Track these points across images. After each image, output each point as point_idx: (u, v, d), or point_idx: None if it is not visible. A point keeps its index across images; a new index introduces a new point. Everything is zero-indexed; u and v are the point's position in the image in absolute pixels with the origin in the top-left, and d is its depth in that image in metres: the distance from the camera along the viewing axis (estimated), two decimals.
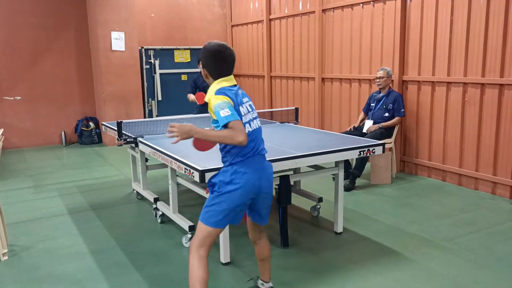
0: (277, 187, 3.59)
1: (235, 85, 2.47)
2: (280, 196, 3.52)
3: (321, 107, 7.31)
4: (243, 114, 2.39)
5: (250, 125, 2.43)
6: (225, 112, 2.24)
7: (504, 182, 4.81)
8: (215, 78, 2.44)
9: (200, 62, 2.53)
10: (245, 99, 2.47)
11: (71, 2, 8.30)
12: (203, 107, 6.47)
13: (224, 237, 3.30)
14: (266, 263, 2.80)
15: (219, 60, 2.43)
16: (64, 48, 8.36)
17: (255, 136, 2.45)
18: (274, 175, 3.56)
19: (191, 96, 6.28)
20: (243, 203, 2.44)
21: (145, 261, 3.45)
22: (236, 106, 2.34)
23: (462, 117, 5.20)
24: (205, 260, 2.40)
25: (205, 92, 6.10)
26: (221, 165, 3.06)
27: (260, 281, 2.87)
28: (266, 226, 4.08)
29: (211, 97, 2.35)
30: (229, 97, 2.33)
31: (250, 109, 2.47)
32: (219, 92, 2.35)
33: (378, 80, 5.59)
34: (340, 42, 6.77)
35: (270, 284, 2.84)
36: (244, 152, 2.40)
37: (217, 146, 2.55)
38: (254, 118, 2.49)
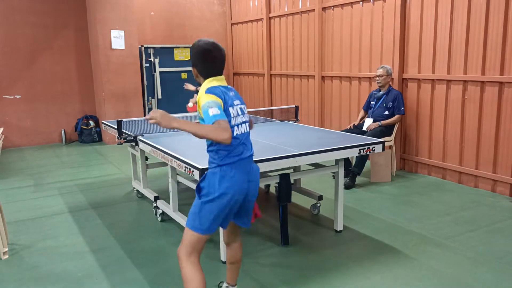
0: (277, 185, 3.60)
1: (226, 86, 2.40)
2: (280, 194, 3.52)
3: (321, 105, 7.30)
4: (232, 116, 2.31)
5: (238, 128, 2.35)
6: (213, 111, 2.15)
7: (504, 179, 4.81)
8: (205, 78, 2.38)
9: (191, 61, 2.47)
10: (236, 102, 2.39)
11: (70, 0, 8.29)
12: None
13: (223, 236, 3.30)
14: (237, 267, 2.74)
15: (208, 59, 2.36)
16: (63, 46, 8.35)
17: (244, 140, 2.37)
18: (274, 173, 3.57)
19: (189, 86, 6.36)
20: (232, 207, 2.36)
21: (145, 260, 3.45)
22: (225, 107, 2.28)
23: (462, 115, 5.20)
24: (198, 265, 2.33)
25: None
26: None
27: (225, 285, 2.80)
28: (266, 224, 4.10)
29: (201, 95, 2.27)
30: (219, 96, 2.25)
31: (240, 113, 2.39)
32: (209, 91, 2.28)
33: (377, 78, 5.58)
34: (340, 40, 6.76)
35: None
36: (233, 154, 2.31)
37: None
38: (243, 122, 2.40)
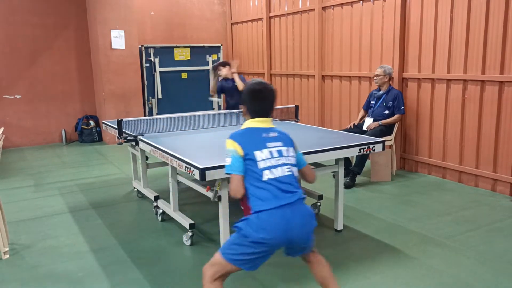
0: None
1: (267, 128, 2.35)
2: None
3: (321, 104, 7.30)
4: (259, 159, 2.24)
5: (271, 172, 2.24)
6: (226, 161, 2.26)
7: (504, 179, 4.81)
8: (251, 117, 2.40)
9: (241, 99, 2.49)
10: (273, 144, 2.29)
11: (70, 0, 8.29)
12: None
13: (224, 234, 3.31)
14: (328, 286, 2.42)
15: (257, 99, 2.39)
16: (64, 46, 8.36)
17: (279, 184, 2.23)
18: None
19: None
20: (266, 254, 2.24)
21: (145, 259, 3.45)
22: (248, 151, 2.25)
23: (462, 114, 5.20)
24: None
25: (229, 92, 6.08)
26: (222, 162, 3.07)
27: None
28: None
29: (226, 141, 2.31)
30: (238, 142, 2.26)
31: (277, 155, 2.27)
32: (232, 136, 2.31)
33: (375, 77, 5.60)
34: (340, 40, 6.76)
35: None
36: (267, 200, 2.20)
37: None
38: (282, 165, 2.27)
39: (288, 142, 2.39)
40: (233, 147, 2.26)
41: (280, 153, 2.31)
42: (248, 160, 2.26)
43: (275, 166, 2.26)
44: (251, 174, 2.26)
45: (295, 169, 2.35)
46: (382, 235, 3.83)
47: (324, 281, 2.43)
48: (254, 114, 2.40)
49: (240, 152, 2.25)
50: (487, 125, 4.95)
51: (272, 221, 2.18)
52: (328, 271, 2.44)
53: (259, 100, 2.39)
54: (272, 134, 2.35)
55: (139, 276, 3.19)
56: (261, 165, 2.24)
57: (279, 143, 2.33)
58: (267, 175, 2.23)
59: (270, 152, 2.28)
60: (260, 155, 2.26)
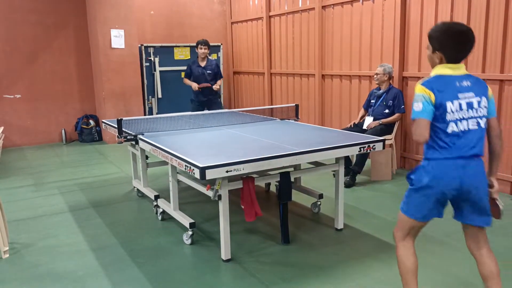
0: (277, 183, 3.60)
1: (460, 75, 2.23)
2: (280, 193, 3.52)
3: (321, 103, 7.30)
4: (449, 110, 2.17)
5: (456, 125, 2.19)
6: (417, 107, 2.16)
7: (504, 177, 4.81)
8: (447, 61, 2.23)
9: (430, 43, 2.30)
10: (464, 95, 2.19)
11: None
12: (202, 101, 6.51)
13: (224, 233, 3.31)
14: (494, 284, 2.37)
15: (457, 43, 2.20)
16: (63, 45, 8.35)
17: (459, 138, 2.20)
18: (274, 172, 3.57)
19: (187, 81, 6.48)
20: (438, 200, 2.29)
21: (146, 258, 3.45)
22: (439, 101, 2.15)
23: None
24: (411, 249, 2.40)
25: (199, 82, 6.43)
26: (223, 161, 3.07)
27: None
28: (266, 222, 4.10)
29: (417, 86, 2.21)
30: (431, 90, 2.15)
31: (466, 107, 2.19)
32: (425, 83, 2.19)
33: (375, 76, 5.60)
34: (340, 39, 6.76)
35: None
36: (445, 151, 2.22)
37: None
38: (469, 118, 2.21)
39: (481, 91, 2.26)
40: (426, 93, 2.16)
41: (470, 105, 2.21)
42: (438, 109, 2.18)
43: (462, 120, 2.21)
44: (436, 123, 2.21)
45: (483, 121, 2.27)
46: (382, 233, 3.83)
47: (490, 276, 2.39)
48: (451, 59, 2.23)
49: (432, 98, 2.16)
50: None
51: (443, 168, 2.22)
52: (497, 269, 2.40)
53: (463, 43, 2.20)
54: (465, 83, 2.22)
55: (139, 275, 3.19)
56: (449, 117, 2.19)
57: (471, 94, 2.22)
58: (452, 128, 2.20)
59: (460, 104, 2.20)
60: (450, 106, 2.18)
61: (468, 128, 2.22)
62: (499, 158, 2.44)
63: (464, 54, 2.24)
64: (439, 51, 2.24)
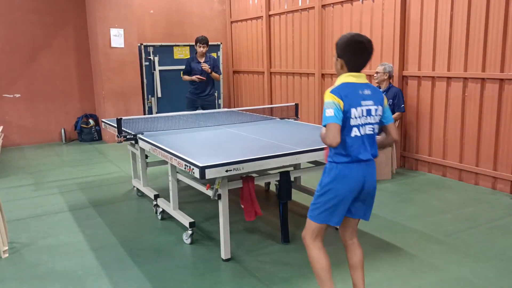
0: (277, 183, 3.59)
1: (362, 83, 2.40)
2: (280, 192, 3.52)
3: (321, 103, 7.29)
4: (353, 116, 2.33)
5: (358, 130, 2.37)
6: (328, 113, 2.29)
7: (504, 177, 4.81)
8: (349, 71, 2.41)
9: (336, 52, 2.46)
10: (366, 102, 2.38)
11: None
12: (196, 99, 6.47)
13: (224, 233, 3.30)
14: (358, 272, 2.61)
15: (358, 52, 2.38)
16: (63, 45, 8.34)
17: (362, 142, 2.39)
18: (274, 171, 3.57)
19: (187, 77, 6.41)
20: (340, 203, 2.43)
21: (145, 258, 3.45)
22: (346, 107, 2.31)
23: (463, 112, 5.19)
24: (322, 249, 2.50)
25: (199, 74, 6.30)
26: (222, 160, 3.07)
27: None
28: (266, 222, 4.10)
29: (326, 94, 2.35)
30: (340, 97, 2.30)
31: (366, 114, 2.37)
32: (334, 91, 2.33)
33: (375, 75, 5.60)
34: None
35: None
36: (348, 154, 2.38)
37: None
38: (368, 124, 2.40)
39: (378, 100, 2.44)
40: (336, 100, 2.30)
41: (369, 112, 2.40)
42: (344, 115, 2.33)
43: (363, 125, 2.39)
44: (342, 128, 2.35)
45: (377, 127, 2.47)
46: (382, 233, 3.83)
47: (357, 265, 2.62)
48: (353, 68, 2.41)
49: (341, 105, 2.30)
50: (488, 123, 4.94)
51: (348, 170, 2.38)
52: (362, 258, 2.63)
53: (360, 53, 2.39)
54: (366, 92, 2.40)
55: (139, 274, 3.18)
56: (353, 122, 2.35)
57: (371, 102, 2.40)
58: (355, 132, 2.37)
59: (362, 110, 2.37)
60: (354, 112, 2.34)
61: (366, 133, 2.41)
62: (384, 148, 2.71)
63: (362, 62, 2.42)
64: (341, 58, 2.43)
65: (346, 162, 2.38)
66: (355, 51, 2.38)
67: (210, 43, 6.61)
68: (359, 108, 2.35)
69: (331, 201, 2.41)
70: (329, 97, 2.31)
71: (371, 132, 2.43)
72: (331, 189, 2.41)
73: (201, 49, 6.31)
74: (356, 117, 2.35)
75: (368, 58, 2.44)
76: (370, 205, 2.56)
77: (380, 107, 2.44)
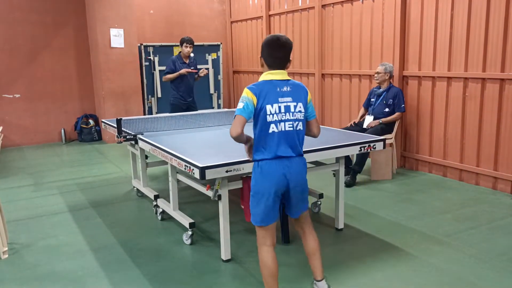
0: None
1: (282, 80, 2.48)
2: None
3: (321, 103, 7.29)
4: (269, 113, 2.42)
5: (276, 126, 2.44)
6: (240, 105, 2.39)
7: (505, 177, 4.80)
8: (268, 69, 2.51)
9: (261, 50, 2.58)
10: (284, 99, 2.45)
11: None
12: (185, 102, 6.41)
13: (224, 233, 3.30)
14: (315, 258, 2.72)
15: (273, 50, 2.48)
16: (63, 45, 8.34)
17: (282, 138, 2.46)
18: None
19: (171, 75, 6.31)
20: (271, 200, 2.49)
21: (145, 258, 3.44)
22: (261, 103, 2.40)
23: (463, 112, 5.19)
24: (270, 252, 2.56)
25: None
26: (222, 161, 3.07)
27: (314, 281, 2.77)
28: None
29: (244, 89, 2.45)
30: (254, 93, 2.40)
31: (284, 110, 2.45)
32: (249, 87, 2.43)
33: (375, 75, 5.59)
34: (340, 38, 6.74)
35: (324, 282, 2.72)
36: (268, 151, 2.46)
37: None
38: (285, 121, 2.46)
39: (298, 97, 2.51)
40: (250, 96, 2.41)
41: (287, 109, 2.47)
42: (259, 111, 2.42)
43: (280, 121, 2.45)
44: (260, 125, 2.46)
45: (298, 124, 2.51)
46: (382, 233, 3.82)
47: (312, 252, 2.72)
48: (271, 65, 2.50)
49: (254, 102, 2.40)
50: (488, 123, 4.93)
51: (269, 167, 2.46)
52: (317, 246, 2.72)
53: (275, 49, 2.47)
54: (285, 88, 2.48)
55: (139, 275, 3.18)
56: (269, 118, 2.43)
57: (289, 98, 2.48)
58: (272, 129, 2.44)
59: (279, 107, 2.44)
60: (270, 109, 2.42)
61: (285, 129, 2.47)
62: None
63: (279, 58, 2.49)
64: (262, 56, 2.55)
65: (266, 159, 2.46)
66: (272, 48, 2.48)
67: (210, 43, 6.61)
68: (275, 105, 2.43)
69: (260, 201, 2.49)
70: (244, 92, 2.42)
71: (291, 129, 2.48)
72: (257, 191, 2.50)
73: (187, 49, 6.28)
74: (272, 114, 2.42)
75: (285, 54, 2.50)
76: (302, 201, 2.64)
77: (300, 104, 2.50)
